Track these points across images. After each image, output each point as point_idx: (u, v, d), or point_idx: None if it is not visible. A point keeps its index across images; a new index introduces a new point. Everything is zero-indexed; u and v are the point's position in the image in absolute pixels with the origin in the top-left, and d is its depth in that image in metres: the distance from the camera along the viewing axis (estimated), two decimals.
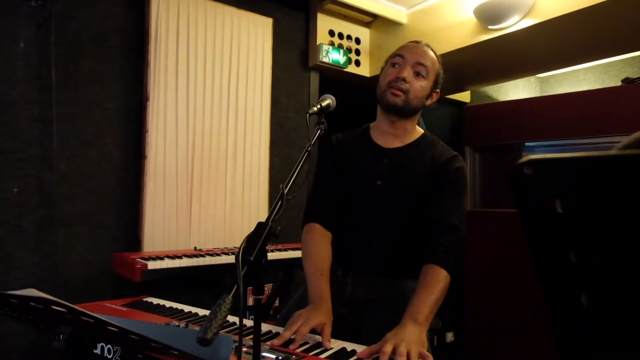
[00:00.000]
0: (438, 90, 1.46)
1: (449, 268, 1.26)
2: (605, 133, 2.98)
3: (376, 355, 1.02)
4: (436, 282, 1.23)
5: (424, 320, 1.15)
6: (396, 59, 1.41)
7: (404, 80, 1.35)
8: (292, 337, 1.12)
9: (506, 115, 3.46)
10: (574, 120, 3.09)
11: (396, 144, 1.45)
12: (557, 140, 3.26)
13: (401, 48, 1.43)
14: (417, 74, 1.37)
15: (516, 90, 4.67)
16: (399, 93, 1.35)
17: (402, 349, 1.00)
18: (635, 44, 2.98)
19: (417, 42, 1.45)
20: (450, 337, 3.65)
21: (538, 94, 4.85)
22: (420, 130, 1.50)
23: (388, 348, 1.01)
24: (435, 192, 1.36)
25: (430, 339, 1.23)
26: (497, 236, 3.27)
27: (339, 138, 1.55)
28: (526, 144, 3.44)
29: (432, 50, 1.44)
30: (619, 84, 3.28)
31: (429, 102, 1.45)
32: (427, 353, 1.05)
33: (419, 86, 1.37)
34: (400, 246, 1.39)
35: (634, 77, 3.21)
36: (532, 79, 4.80)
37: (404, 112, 1.39)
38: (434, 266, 1.25)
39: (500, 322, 3.29)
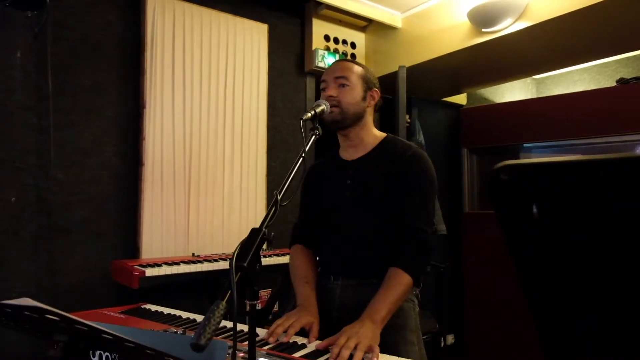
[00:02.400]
0: (374, 89, 1.52)
1: (412, 272, 1.32)
2: (601, 133, 3.00)
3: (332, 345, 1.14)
4: (397, 284, 1.29)
5: (380, 320, 1.23)
6: (322, 84, 1.51)
7: (332, 97, 1.43)
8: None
9: (503, 117, 3.47)
10: (570, 121, 3.11)
11: (358, 154, 1.52)
12: (553, 141, 3.27)
13: (324, 73, 1.53)
14: (342, 85, 1.45)
15: (512, 91, 4.69)
16: (333, 109, 1.43)
17: (351, 342, 1.10)
18: (629, 45, 3.01)
19: (337, 61, 1.56)
20: (450, 339, 3.65)
21: (534, 96, 4.87)
22: (380, 135, 1.55)
23: (341, 340, 1.12)
24: (399, 196, 1.41)
25: (427, 342, 1.26)
26: (495, 238, 3.27)
27: (314, 165, 1.68)
28: (524, 145, 3.45)
29: (354, 62, 1.53)
30: (614, 84, 3.29)
31: (371, 103, 1.51)
32: (375, 345, 1.13)
33: (346, 93, 1.45)
34: (381, 248, 1.43)
35: (629, 77, 3.22)
36: (528, 80, 4.82)
37: (346, 121, 1.46)
38: (397, 269, 1.32)
39: (500, 324, 3.29)
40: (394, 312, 1.29)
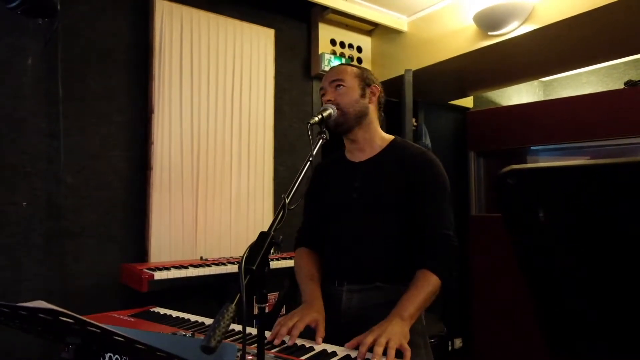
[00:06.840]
0: (373, 85, 1.51)
1: (441, 275, 1.31)
2: (609, 136, 2.98)
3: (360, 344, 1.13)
4: (426, 284, 1.29)
5: (409, 317, 1.23)
6: (321, 91, 1.52)
7: (330, 100, 1.44)
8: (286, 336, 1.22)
9: (510, 119, 3.47)
10: (578, 123, 3.10)
11: (366, 156, 1.51)
12: (561, 143, 3.26)
13: (322, 81, 1.54)
14: (338, 87, 1.47)
15: (519, 94, 4.68)
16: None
17: (382, 340, 1.10)
18: (637, 47, 2.99)
19: (331, 67, 1.58)
20: (458, 343, 3.64)
21: (541, 98, 4.85)
22: (388, 137, 1.54)
23: (370, 338, 1.12)
24: (419, 204, 1.40)
25: (434, 345, 1.26)
26: (502, 241, 3.26)
27: (319, 165, 1.66)
28: (531, 148, 3.44)
29: (348, 64, 1.56)
30: (622, 86, 3.28)
31: (372, 99, 1.50)
32: (407, 345, 1.12)
33: (343, 94, 1.45)
34: (387, 252, 1.43)
35: (637, 79, 3.20)
36: (535, 83, 4.80)
37: (349, 122, 1.45)
38: (426, 271, 1.32)
39: (508, 328, 3.27)
40: (422, 310, 1.29)
